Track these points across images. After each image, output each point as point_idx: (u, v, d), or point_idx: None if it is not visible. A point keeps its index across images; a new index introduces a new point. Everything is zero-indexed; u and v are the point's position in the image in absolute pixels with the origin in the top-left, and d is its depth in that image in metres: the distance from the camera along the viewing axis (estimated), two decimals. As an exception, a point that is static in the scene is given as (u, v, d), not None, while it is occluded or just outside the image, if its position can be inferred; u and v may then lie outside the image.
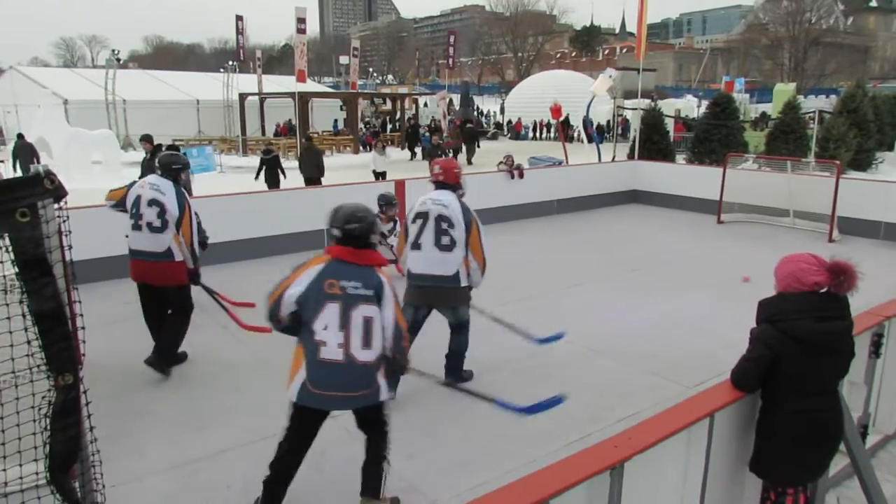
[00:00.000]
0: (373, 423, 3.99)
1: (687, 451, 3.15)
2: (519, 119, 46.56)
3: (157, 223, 5.96)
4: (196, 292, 6.54)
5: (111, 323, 7.39)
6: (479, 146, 31.03)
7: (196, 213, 6.32)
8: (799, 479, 3.55)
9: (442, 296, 5.73)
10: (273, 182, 16.91)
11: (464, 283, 5.69)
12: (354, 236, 3.79)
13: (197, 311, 7.93)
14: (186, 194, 6.20)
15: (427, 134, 31.29)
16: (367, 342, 3.71)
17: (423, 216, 5.66)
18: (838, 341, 3.28)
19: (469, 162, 28.56)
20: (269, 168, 17.12)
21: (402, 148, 34.14)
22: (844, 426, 3.54)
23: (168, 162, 6.20)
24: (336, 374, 3.70)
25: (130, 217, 6.08)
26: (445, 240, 5.59)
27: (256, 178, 17.03)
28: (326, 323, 3.71)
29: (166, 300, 6.25)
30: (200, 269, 6.40)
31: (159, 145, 13.97)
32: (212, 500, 4.25)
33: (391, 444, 4.02)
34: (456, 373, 5.94)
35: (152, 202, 5.96)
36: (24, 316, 2.21)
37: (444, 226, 5.59)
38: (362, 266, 3.76)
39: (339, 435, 5.05)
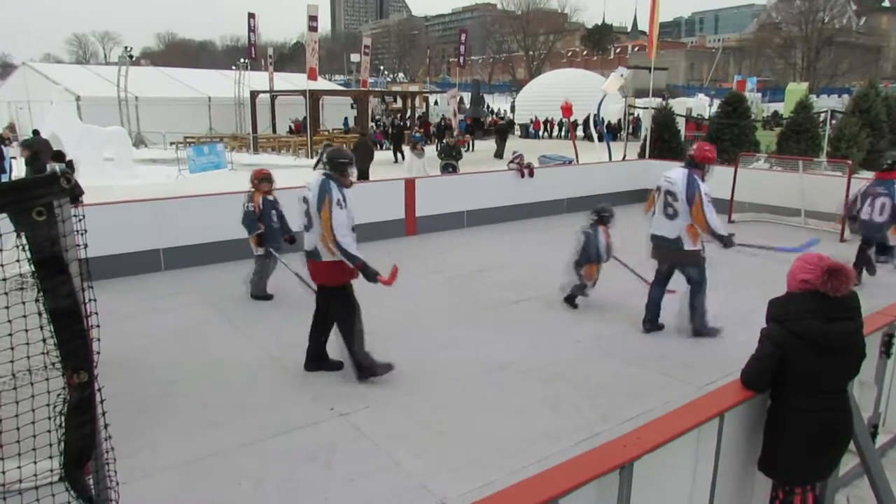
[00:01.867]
0: None
1: (696, 450, 3.15)
2: (536, 118, 45.98)
3: (306, 221, 5.88)
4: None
5: (122, 319, 7.43)
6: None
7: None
8: (807, 478, 3.55)
9: (669, 254, 7.13)
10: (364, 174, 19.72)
11: (687, 247, 6.93)
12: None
13: (208, 309, 8.01)
14: (329, 188, 5.67)
15: (419, 134, 30.08)
16: None
17: (658, 189, 7.17)
18: (847, 342, 3.27)
19: (499, 156, 29.34)
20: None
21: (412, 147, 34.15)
22: (854, 426, 3.53)
23: (331, 157, 5.96)
24: None
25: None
26: (670, 210, 6.93)
27: (315, 167, 18.84)
28: None
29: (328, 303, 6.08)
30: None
31: (37, 152, 14.50)
32: (222, 497, 4.27)
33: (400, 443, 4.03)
34: (697, 324, 7.14)
35: (303, 200, 5.86)
36: (39, 314, 2.24)
37: (670, 199, 6.91)
38: None
39: (348, 432, 5.08)
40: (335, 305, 5.97)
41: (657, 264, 7.36)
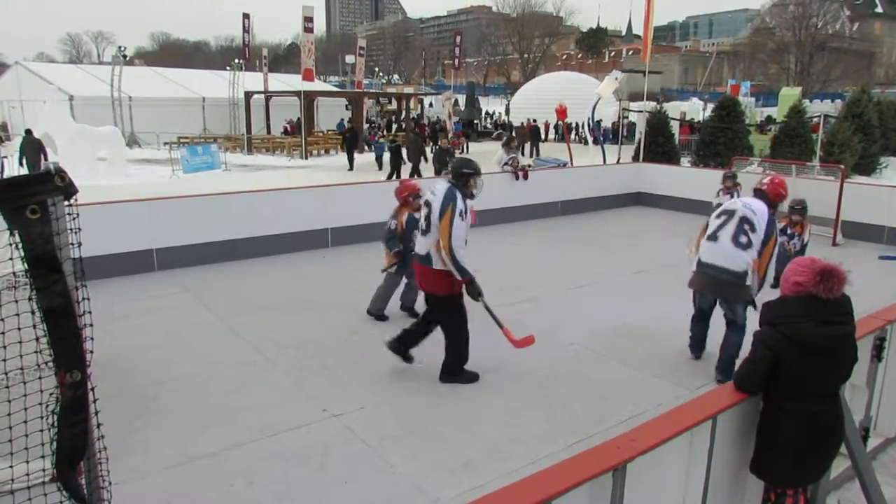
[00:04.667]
0: None
1: (689, 452, 3.16)
2: (530, 120, 45.93)
3: (424, 226, 5.86)
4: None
5: (115, 320, 7.41)
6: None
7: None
8: (798, 480, 3.56)
9: (724, 287, 6.08)
10: (396, 166, 22.39)
11: (748, 283, 5.95)
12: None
13: (201, 309, 7.99)
14: (455, 197, 5.69)
15: (381, 140, 29.15)
16: None
17: (728, 213, 6.11)
18: (839, 345, 3.27)
19: (534, 154, 30.56)
20: (394, 155, 22.60)
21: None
22: (846, 429, 3.54)
23: (456, 167, 5.95)
24: None
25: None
26: (743, 239, 5.92)
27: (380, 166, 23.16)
28: None
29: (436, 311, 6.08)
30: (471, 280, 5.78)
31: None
32: (214, 498, 4.26)
33: (394, 445, 4.03)
34: (726, 371, 6.00)
35: (426, 204, 5.91)
36: (32, 313, 2.23)
37: (747, 227, 5.94)
38: None
39: (341, 434, 5.08)
40: (443, 313, 5.99)
41: (698, 296, 6.50)
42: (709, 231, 6.17)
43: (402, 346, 6.18)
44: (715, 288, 6.17)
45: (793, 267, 3.37)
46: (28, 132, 20.14)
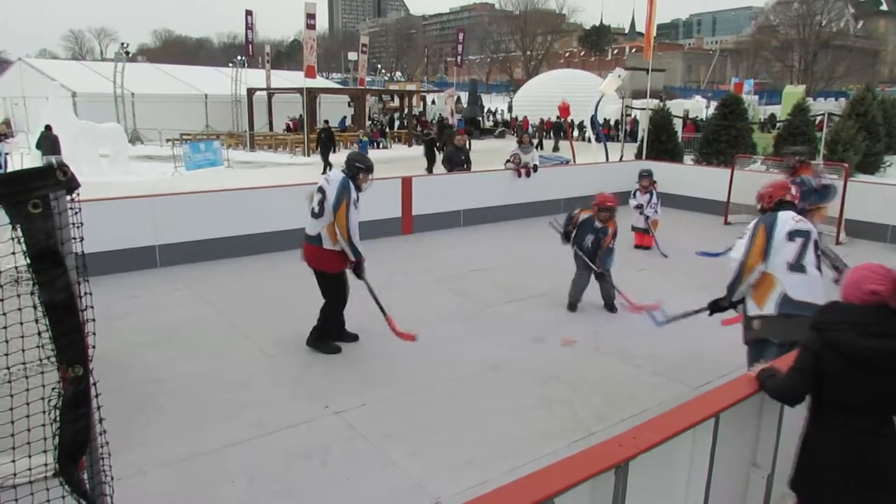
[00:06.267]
0: None
1: (692, 450, 3.15)
2: (525, 118, 45.91)
3: (317, 210, 6.33)
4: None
5: (117, 316, 7.41)
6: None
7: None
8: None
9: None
10: (431, 157, 22.92)
11: None
12: None
13: (203, 306, 7.99)
14: (349, 188, 6.29)
15: (364, 139, 28.17)
16: None
17: (804, 235, 4.84)
18: (888, 360, 2.94)
19: (556, 149, 31.23)
20: (428, 148, 23.41)
21: (409, 145, 34.23)
22: None
23: (350, 159, 6.55)
24: None
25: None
26: (818, 266, 4.88)
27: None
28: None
29: (319, 284, 6.59)
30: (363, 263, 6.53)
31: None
32: (216, 495, 4.26)
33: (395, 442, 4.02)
34: None
35: (319, 190, 6.37)
36: (34, 307, 2.22)
37: (819, 253, 4.93)
38: None
39: (343, 431, 5.08)
40: (328, 288, 6.54)
41: (777, 350, 4.67)
42: (789, 258, 4.76)
43: (336, 334, 6.68)
44: (802, 330, 3.87)
45: (865, 274, 3.06)
46: (48, 128, 20.11)
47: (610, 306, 8.04)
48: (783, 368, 3.36)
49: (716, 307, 5.29)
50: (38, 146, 19.70)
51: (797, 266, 4.75)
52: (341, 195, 6.17)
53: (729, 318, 6.00)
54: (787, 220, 4.84)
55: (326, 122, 30.55)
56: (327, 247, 6.32)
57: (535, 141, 15.58)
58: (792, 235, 4.80)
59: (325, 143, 25.25)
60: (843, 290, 3.14)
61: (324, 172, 24.01)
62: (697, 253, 10.45)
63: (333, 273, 6.48)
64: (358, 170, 6.40)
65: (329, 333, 6.63)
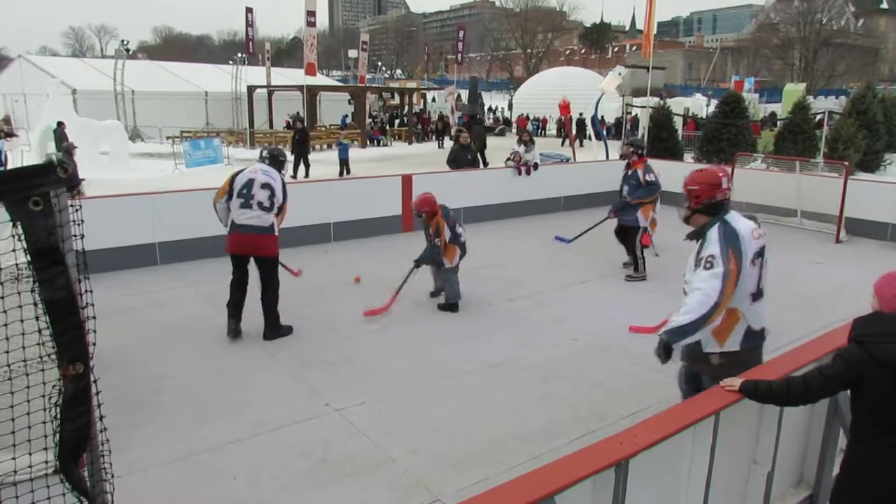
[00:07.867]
0: None
1: (692, 448, 3.15)
2: (526, 115, 45.86)
3: (267, 204, 6.76)
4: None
5: (117, 314, 7.42)
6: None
7: None
8: None
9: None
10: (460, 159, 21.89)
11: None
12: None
13: (203, 304, 7.99)
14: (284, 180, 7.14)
15: (346, 142, 24.89)
16: None
17: (762, 253, 4.05)
18: None
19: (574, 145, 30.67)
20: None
21: (410, 142, 34.17)
22: None
23: (276, 154, 7.22)
24: None
25: (238, 196, 6.75)
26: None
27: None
28: None
29: (262, 271, 6.93)
30: None
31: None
32: (217, 492, 4.26)
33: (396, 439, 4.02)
34: None
35: (265, 186, 6.78)
36: (35, 305, 2.22)
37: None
38: None
39: (343, 428, 5.08)
40: (273, 272, 6.97)
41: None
42: (752, 288, 3.99)
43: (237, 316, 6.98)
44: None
45: None
46: (60, 124, 20.08)
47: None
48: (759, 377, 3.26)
49: (667, 353, 4.19)
50: (57, 147, 19.46)
51: (758, 293, 4.03)
52: (285, 187, 6.97)
53: (638, 326, 6.12)
54: (748, 238, 3.93)
55: (301, 121, 26.56)
56: (275, 234, 6.90)
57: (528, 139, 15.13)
58: (755, 258, 3.96)
59: (300, 145, 22.43)
60: (886, 301, 2.96)
61: (294, 176, 22.10)
62: (556, 238, 10.98)
63: (276, 256, 7.00)
64: (283, 163, 7.24)
65: (278, 316, 6.98)
